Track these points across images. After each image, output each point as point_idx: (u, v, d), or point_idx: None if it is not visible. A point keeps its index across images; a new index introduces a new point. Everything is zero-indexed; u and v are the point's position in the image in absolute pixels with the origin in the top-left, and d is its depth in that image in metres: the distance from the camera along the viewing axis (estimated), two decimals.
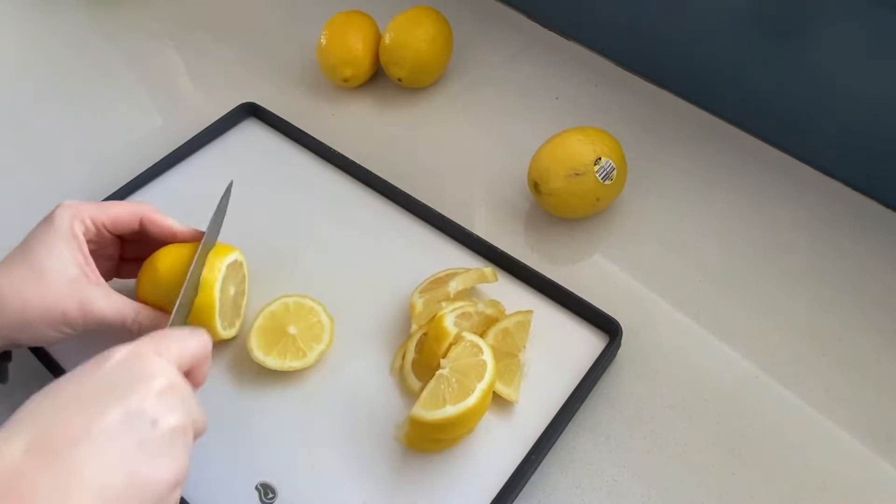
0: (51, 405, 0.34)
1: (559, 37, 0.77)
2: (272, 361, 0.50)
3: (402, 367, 0.52)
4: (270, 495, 0.47)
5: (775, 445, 0.49)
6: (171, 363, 0.38)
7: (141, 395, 0.35)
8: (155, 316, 0.48)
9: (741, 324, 0.55)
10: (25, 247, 0.47)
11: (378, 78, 0.74)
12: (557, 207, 0.60)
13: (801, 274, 0.58)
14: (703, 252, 0.59)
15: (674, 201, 0.63)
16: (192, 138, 0.67)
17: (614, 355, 0.53)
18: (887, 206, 0.61)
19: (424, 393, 0.47)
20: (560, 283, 0.55)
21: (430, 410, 0.45)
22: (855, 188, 0.62)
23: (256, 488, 0.48)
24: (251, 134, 0.69)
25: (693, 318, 0.55)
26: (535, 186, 0.59)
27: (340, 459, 0.49)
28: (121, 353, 0.37)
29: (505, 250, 0.57)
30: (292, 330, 0.52)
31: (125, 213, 0.50)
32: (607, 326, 0.53)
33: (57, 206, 0.48)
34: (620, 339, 0.52)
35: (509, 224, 0.62)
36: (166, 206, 0.61)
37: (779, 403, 0.51)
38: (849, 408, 0.51)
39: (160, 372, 0.37)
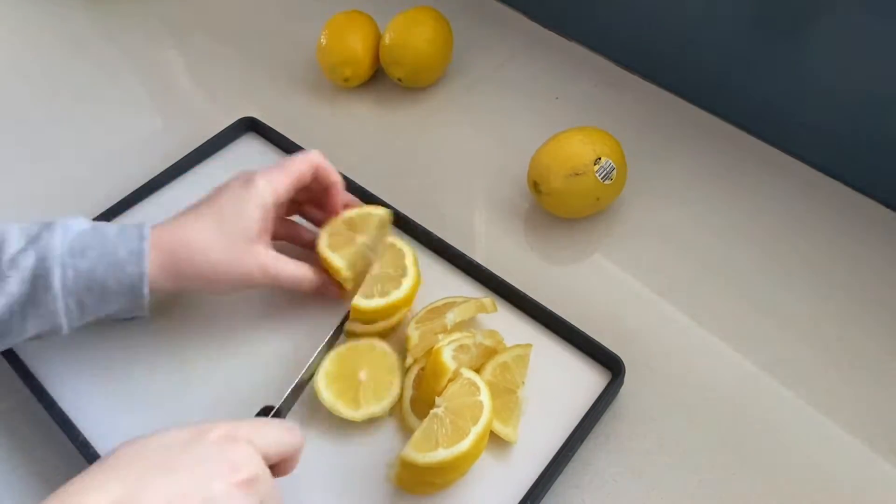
0: (140, 466, 0.36)
1: (559, 37, 0.77)
2: (350, 412, 0.48)
3: (400, 405, 0.50)
4: None
5: (776, 445, 0.49)
6: (259, 454, 0.38)
7: (223, 483, 0.36)
8: (319, 278, 0.53)
9: (742, 323, 0.55)
10: (217, 206, 0.50)
11: (378, 78, 0.74)
12: (557, 207, 0.59)
13: (801, 274, 0.58)
14: (702, 252, 0.59)
15: (674, 201, 0.63)
16: (191, 153, 0.66)
17: (616, 394, 0.50)
18: (887, 206, 0.61)
19: (417, 433, 0.45)
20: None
21: (422, 453, 0.44)
22: (855, 188, 0.62)
23: None
24: (250, 149, 0.68)
25: (693, 318, 0.55)
26: (535, 186, 0.59)
27: (329, 496, 0.47)
28: (216, 433, 0.38)
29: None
30: (362, 376, 0.49)
31: (307, 173, 0.53)
32: (609, 363, 0.51)
33: (257, 176, 0.50)
34: (623, 377, 0.50)
35: (509, 224, 0.62)
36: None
37: (779, 403, 0.51)
38: (849, 408, 0.51)
39: (246, 463, 0.37)
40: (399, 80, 0.71)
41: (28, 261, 0.45)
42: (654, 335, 0.54)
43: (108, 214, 0.62)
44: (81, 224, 0.48)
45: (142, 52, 0.80)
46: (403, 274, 0.52)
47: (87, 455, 0.48)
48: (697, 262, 0.59)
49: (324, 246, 0.53)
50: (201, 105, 0.74)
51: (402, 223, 0.60)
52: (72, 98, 0.76)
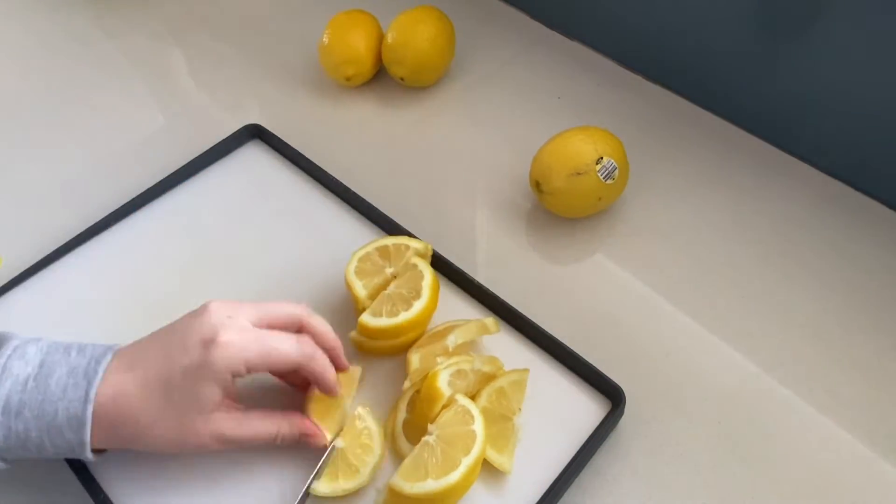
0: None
1: (562, 36, 0.77)
2: (323, 486, 0.45)
3: (392, 428, 0.48)
4: None
5: (776, 446, 0.49)
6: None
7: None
8: (296, 429, 0.46)
9: (742, 323, 0.55)
10: (167, 378, 0.43)
11: (380, 77, 0.74)
12: (559, 207, 0.60)
13: (802, 274, 0.58)
14: (704, 251, 0.59)
15: (675, 201, 0.63)
16: (195, 158, 0.65)
17: (615, 425, 0.49)
18: (888, 205, 0.61)
19: (407, 460, 0.44)
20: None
21: (411, 482, 0.42)
22: (856, 188, 0.62)
23: None
24: (255, 156, 0.67)
25: (694, 318, 0.55)
26: (537, 186, 0.59)
27: None
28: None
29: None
30: (339, 443, 0.47)
31: (288, 364, 0.45)
32: (609, 391, 0.50)
33: (221, 341, 0.43)
34: (623, 407, 0.48)
35: (511, 223, 0.62)
36: (169, 227, 0.62)
37: (780, 403, 0.51)
38: (850, 407, 0.51)
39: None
40: (401, 79, 0.71)
41: None
42: (655, 335, 0.55)
43: (112, 219, 0.62)
44: (27, 364, 0.43)
45: (143, 51, 0.80)
46: (417, 297, 0.50)
47: None
48: (699, 262, 0.59)
49: (350, 271, 0.53)
50: (202, 105, 0.74)
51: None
52: (74, 99, 0.76)
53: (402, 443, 0.47)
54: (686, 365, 0.53)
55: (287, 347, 0.45)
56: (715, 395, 0.51)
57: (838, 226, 0.60)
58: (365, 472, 0.46)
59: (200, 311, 0.45)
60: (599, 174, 0.57)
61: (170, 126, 0.72)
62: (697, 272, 0.58)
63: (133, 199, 0.63)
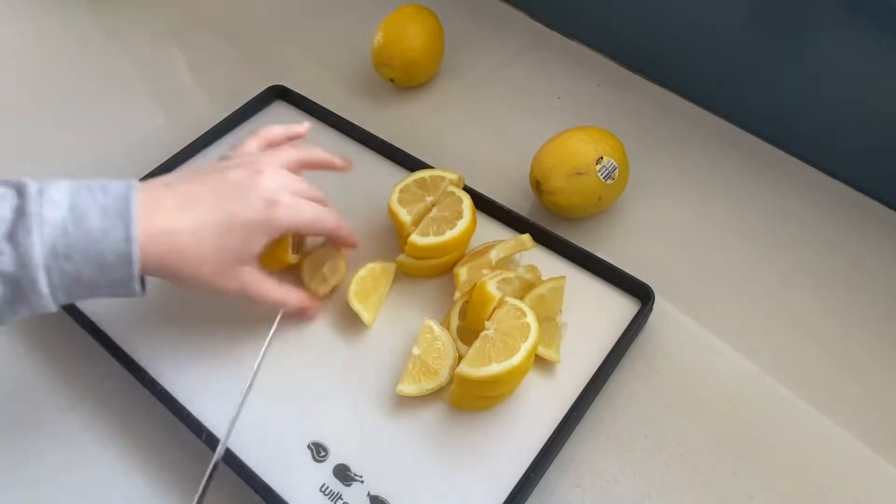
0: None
1: (562, 36, 0.77)
2: (409, 388, 0.50)
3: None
4: (323, 453, 0.49)
5: (776, 445, 0.49)
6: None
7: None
8: (300, 302, 0.53)
9: (743, 324, 0.55)
10: (228, 218, 0.47)
11: (377, 77, 0.74)
12: (559, 207, 0.60)
13: (802, 274, 0.58)
14: (704, 252, 0.59)
15: (675, 201, 0.63)
16: (221, 122, 0.68)
17: (647, 317, 0.54)
18: (888, 205, 0.61)
19: (470, 352, 0.48)
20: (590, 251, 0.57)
21: (476, 368, 0.47)
22: (856, 188, 0.62)
23: (308, 447, 0.49)
24: (280, 116, 0.70)
25: (694, 318, 0.56)
26: (537, 186, 0.59)
27: (388, 419, 0.50)
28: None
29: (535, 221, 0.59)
30: (416, 351, 0.51)
31: (325, 230, 0.53)
32: (638, 291, 0.55)
33: (283, 203, 0.48)
34: (653, 302, 0.53)
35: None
36: None
37: (780, 403, 0.51)
38: (850, 408, 0.51)
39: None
40: (391, 80, 0.71)
41: (6, 265, 0.42)
42: (655, 334, 0.55)
43: None
44: (58, 207, 0.43)
45: (143, 52, 0.80)
46: (459, 217, 0.55)
47: (156, 393, 0.51)
48: (698, 262, 0.59)
49: (394, 200, 0.57)
50: (203, 104, 0.74)
51: None
52: (74, 98, 0.76)
53: (459, 346, 0.52)
54: (687, 364, 0.53)
55: (325, 216, 0.52)
56: (716, 395, 0.51)
57: (838, 225, 0.60)
58: (444, 373, 0.50)
59: (255, 171, 0.49)
60: (599, 174, 0.57)
61: (170, 126, 0.72)
62: (698, 272, 0.58)
63: (161, 165, 0.64)
